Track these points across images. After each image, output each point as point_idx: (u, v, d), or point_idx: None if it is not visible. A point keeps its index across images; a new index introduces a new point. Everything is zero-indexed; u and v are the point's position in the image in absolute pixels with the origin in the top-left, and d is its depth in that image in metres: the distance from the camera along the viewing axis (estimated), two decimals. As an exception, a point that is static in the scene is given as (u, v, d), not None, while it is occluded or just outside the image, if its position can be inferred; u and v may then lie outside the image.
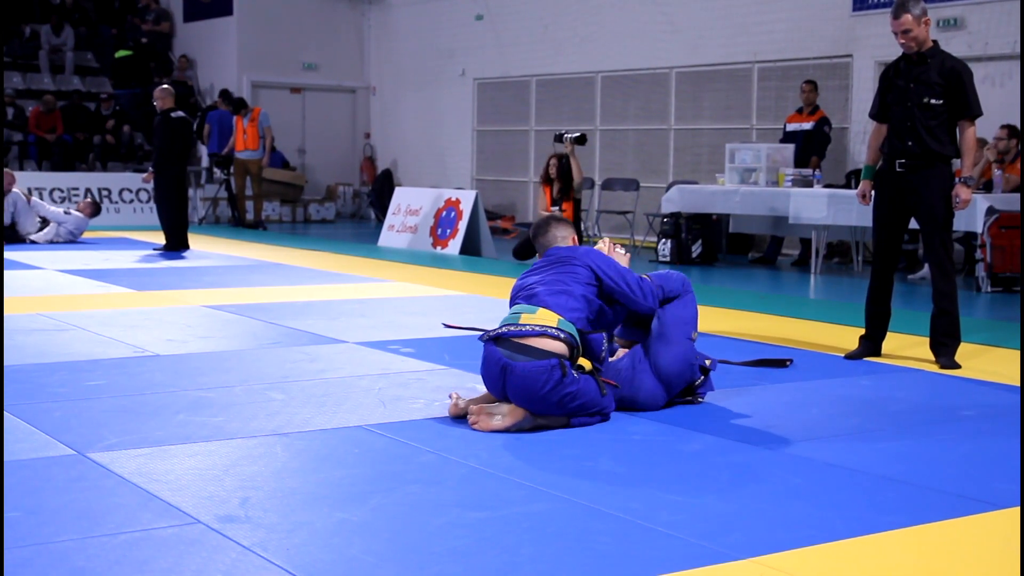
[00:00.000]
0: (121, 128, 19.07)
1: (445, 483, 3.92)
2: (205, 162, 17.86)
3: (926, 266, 8.98)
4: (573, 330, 4.72)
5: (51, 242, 13.34)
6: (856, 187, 6.85)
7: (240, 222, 16.79)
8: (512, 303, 4.97)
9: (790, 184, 11.70)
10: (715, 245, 12.74)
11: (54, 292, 8.94)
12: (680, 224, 12.42)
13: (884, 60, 11.11)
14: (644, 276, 5.09)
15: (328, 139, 20.45)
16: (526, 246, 11.57)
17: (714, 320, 7.91)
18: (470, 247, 13.07)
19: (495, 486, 3.89)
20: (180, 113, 12.62)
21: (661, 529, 3.44)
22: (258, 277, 10.31)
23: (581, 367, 4.75)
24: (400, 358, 6.27)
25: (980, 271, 10.13)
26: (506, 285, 7.78)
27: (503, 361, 4.65)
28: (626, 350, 5.19)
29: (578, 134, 11.39)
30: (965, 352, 6.44)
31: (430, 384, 5.54)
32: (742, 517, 3.58)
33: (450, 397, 4.94)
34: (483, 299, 8.72)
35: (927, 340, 6.48)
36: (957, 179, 6.29)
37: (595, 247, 5.16)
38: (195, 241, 13.11)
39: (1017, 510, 3.68)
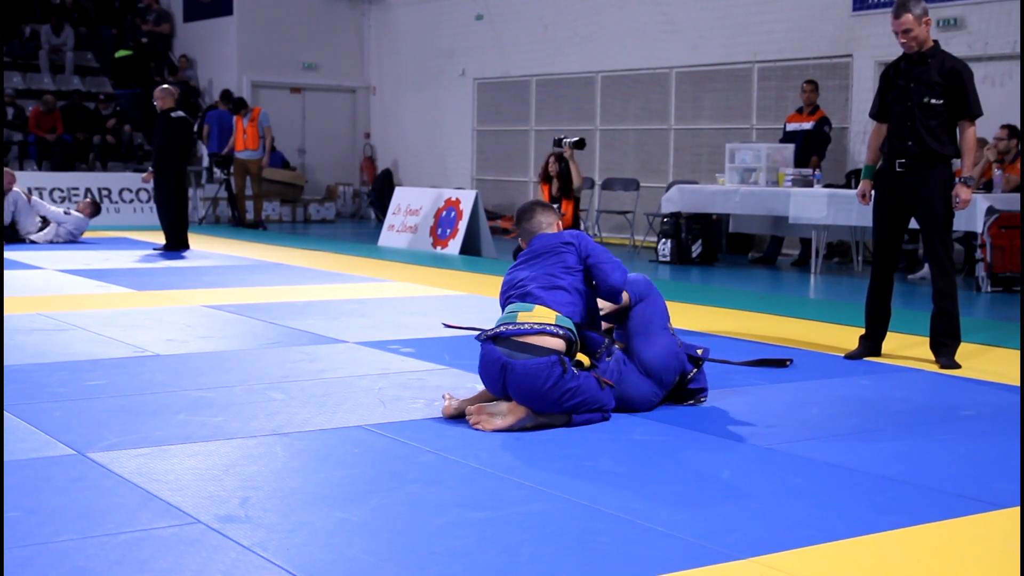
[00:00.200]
0: (121, 128, 19.07)
1: (445, 483, 3.92)
2: (205, 162, 17.86)
3: (926, 266, 8.98)
4: (571, 325, 4.73)
5: (51, 242, 13.34)
6: (856, 187, 6.84)
7: (240, 222, 16.80)
8: (504, 300, 4.95)
9: (790, 184, 11.70)
10: (715, 245, 12.74)
11: (54, 292, 8.94)
12: (680, 224, 12.42)
13: (884, 60, 11.11)
14: None
15: (328, 139, 20.45)
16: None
17: (714, 320, 7.91)
18: (470, 247, 13.07)
19: (495, 486, 3.89)
20: (180, 113, 12.62)
21: (661, 529, 3.44)
22: (258, 277, 10.31)
23: (580, 363, 4.75)
24: (400, 358, 6.27)
25: (980, 271, 10.13)
26: (506, 285, 7.77)
27: (503, 360, 4.64)
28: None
29: (576, 138, 11.35)
30: (965, 352, 6.44)
31: (430, 384, 5.54)
32: (742, 517, 3.58)
33: (444, 398, 4.94)
34: (483, 299, 8.71)
35: (927, 340, 6.48)
36: (957, 179, 6.29)
37: None
38: (195, 241, 13.11)
39: (1017, 510, 3.68)
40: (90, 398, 5.13)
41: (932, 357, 6.39)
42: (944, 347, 6.34)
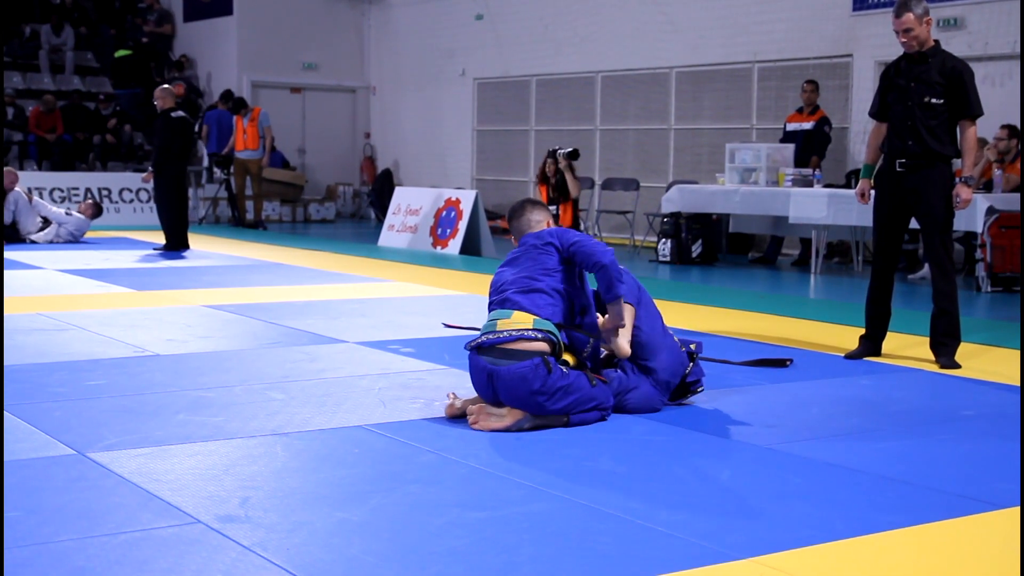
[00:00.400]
0: (121, 128, 19.07)
1: (445, 483, 3.92)
2: (205, 162, 17.86)
3: (926, 266, 8.98)
4: (550, 326, 4.71)
5: (51, 242, 13.34)
6: (855, 187, 6.84)
7: (240, 222, 16.80)
8: (490, 303, 4.95)
9: (790, 184, 11.70)
10: (715, 245, 12.74)
11: (54, 292, 8.94)
12: (680, 224, 12.42)
13: (884, 60, 11.11)
14: None
15: (328, 139, 20.45)
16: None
17: (714, 320, 7.91)
18: (470, 247, 13.07)
19: (495, 486, 3.89)
20: (180, 113, 12.62)
21: (661, 529, 3.44)
22: (258, 277, 10.31)
23: (567, 362, 4.74)
24: (400, 358, 6.27)
25: (980, 271, 10.13)
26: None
27: (488, 368, 4.66)
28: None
29: (570, 149, 11.27)
30: (965, 352, 6.44)
31: (430, 384, 5.54)
32: (742, 517, 3.58)
33: (448, 397, 4.94)
34: (483, 299, 8.68)
35: (927, 340, 6.48)
36: (957, 179, 6.29)
37: None
38: (195, 241, 13.11)
39: (1017, 510, 3.68)
40: (90, 398, 5.13)
41: (932, 357, 6.39)
42: (944, 347, 6.34)
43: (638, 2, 15.58)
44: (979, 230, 10.01)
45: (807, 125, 12.66)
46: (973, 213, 9.79)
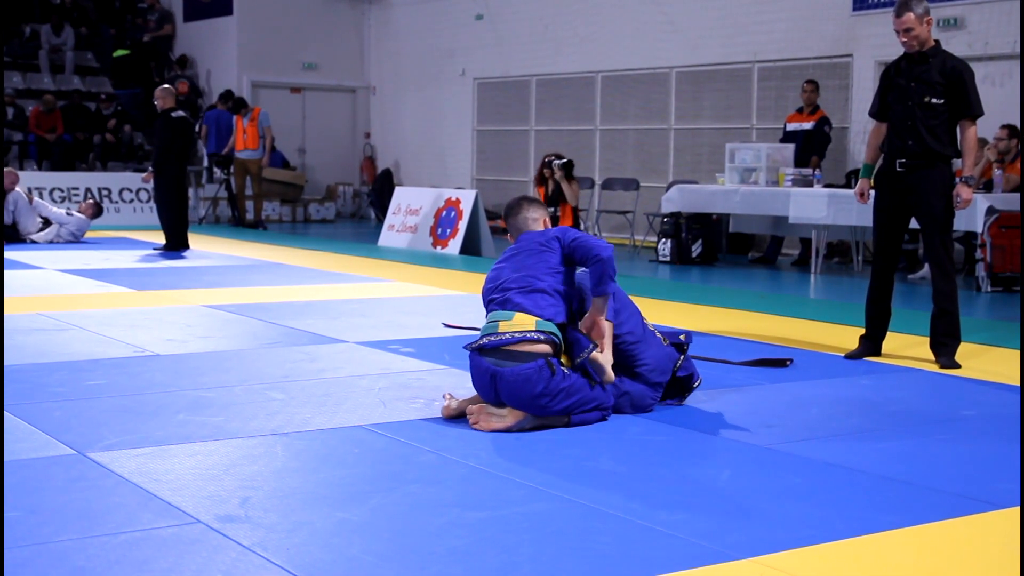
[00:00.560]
0: (121, 128, 19.07)
1: (445, 483, 3.92)
2: (206, 162, 17.86)
3: (926, 266, 8.98)
4: (552, 327, 4.70)
5: (51, 242, 13.35)
6: (856, 187, 6.84)
7: (240, 222, 16.80)
8: (486, 301, 4.91)
9: (790, 184, 11.70)
10: (715, 245, 12.73)
11: (54, 292, 8.94)
12: (680, 224, 12.42)
13: (884, 60, 11.11)
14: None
15: (328, 139, 20.46)
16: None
17: (714, 320, 7.91)
18: (470, 247, 13.07)
19: (495, 486, 3.89)
20: (180, 113, 12.62)
21: (661, 529, 3.44)
22: (258, 277, 10.31)
23: (563, 363, 4.73)
24: (400, 358, 6.27)
25: (980, 271, 10.13)
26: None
27: (491, 369, 4.65)
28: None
29: (564, 161, 11.22)
30: (965, 352, 6.44)
31: (430, 384, 5.54)
32: (742, 517, 3.58)
33: (444, 397, 4.93)
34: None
35: (927, 340, 6.48)
36: (958, 179, 6.29)
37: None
38: (195, 241, 13.11)
39: (1017, 510, 3.68)
40: (90, 398, 5.13)
41: (932, 357, 6.39)
42: (944, 347, 6.34)
43: (638, 2, 15.58)
44: (979, 230, 10.01)
45: (807, 125, 12.66)
46: (973, 213, 9.79)
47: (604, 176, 15.82)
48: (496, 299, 4.84)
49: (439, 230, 13.53)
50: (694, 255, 12.37)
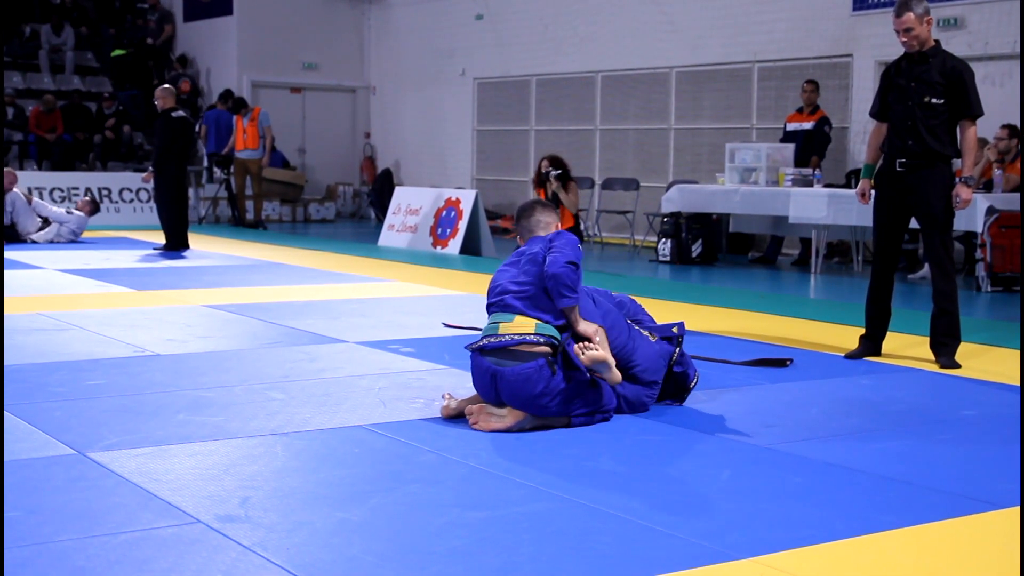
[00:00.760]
0: (121, 128, 19.07)
1: (445, 483, 3.92)
2: (206, 162, 17.86)
3: (926, 266, 8.98)
4: (551, 331, 4.71)
5: (51, 242, 13.35)
6: (856, 187, 6.84)
7: (240, 222, 16.80)
8: (488, 304, 4.93)
9: (790, 184, 11.70)
10: (715, 245, 12.73)
11: (54, 292, 8.94)
12: (680, 224, 12.42)
13: (884, 60, 11.11)
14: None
15: (328, 139, 20.46)
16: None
17: (714, 320, 7.91)
18: (470, 247, 13.07)
19: (495, 486, 3.89)
20: (181, 112, 12.62)
21: (661, 529, 3.44)
22: (258, 277, 10.31)
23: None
24: (400, 358, 6.27)
25: (980, 271, 10.13)
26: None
27: (492, 369, 4.66)
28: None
29: (559, 171, 11.19)
30: (965, 352, 6.44)
31: (430, 384, 5.54)
32: (742, 517, 3.58)
33: (443, 398, 4.94)
34: (483, 299, 8.69)
35: (927, 340, 6.48)
36: (957, 179, 6.29)
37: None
38: (195, 241, 13.11)
39: (1017, 510, 3.68)
40: (90, 398, 5.13)
41: (932, 357, 6.39)
42: (944, 347, 6.34)
43: (638, 2, 15.58)
44: (979, 230, 10.01)
45: (807, 125, 12.66)
46: (973, 213, 9.80)
47: (604, 176, 15.82)
48: (496, 302, 4.87)
49: (439, 230, 13.53)
50: (694, 255, 12.37)
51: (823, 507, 3.70)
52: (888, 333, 6.59)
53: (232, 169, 16.74)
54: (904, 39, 6.29)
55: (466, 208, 13.25)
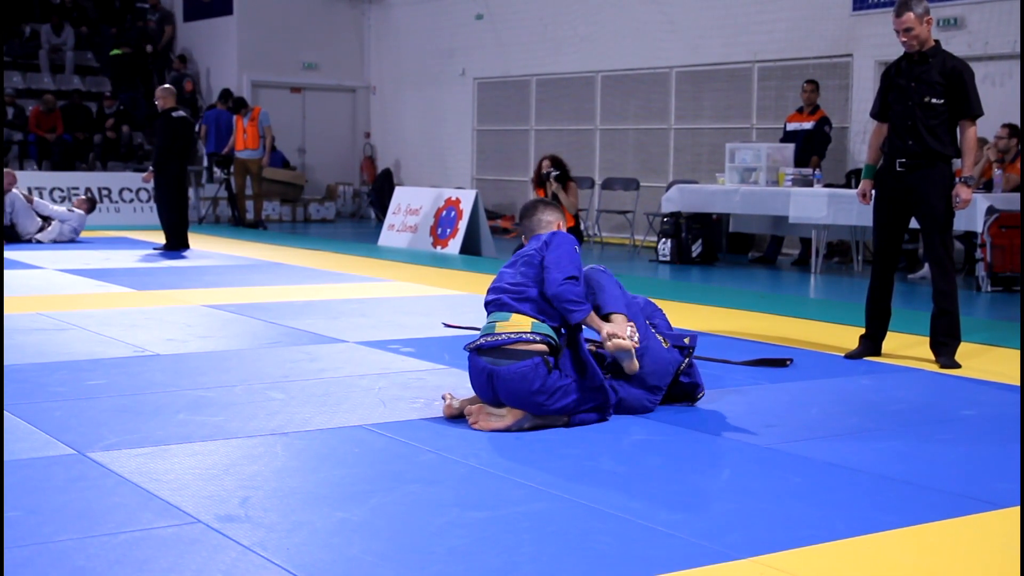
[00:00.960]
0: (121, 127, 19.07)
1: (445, 483, 3.92)
2: (206, 162, 17.86)
3: (926, 265, 8.98)
4: (547, 330, 4.71)
5: (55, 241, 13.38)
6: (856, 187, 6.84)
7: (240, 222, 16.79)
8: (486, 304, 4.94)
9: (790, 184, 11.70)
10: (715, 245, 12.74)
11: (54, 292, 8.94)
12: (680, 224, 12.42)
13: (884, 60, 11.11)
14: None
15: (328, 139, 20.46)
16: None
17: (714, 320, 7.91)
18: (470, 247, 13.07)
19: (495, 486, 3.89)
20: (181, 112, 12.62)
21: (661, 529, 3.44)
22: (258, 277, 10.31)
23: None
24: (400, 358, 6.27)
25: (980, 271, 10.13)
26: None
27: (488, 368, 4.67)
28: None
29: (557, 172, 11.22)
30: (965, 352, 6.44)
31: (430, 384, 5.55)
32: (742, 517, 3.58)
33: (443, 398, 4.94)
34: (483, 299, 8.70)
35: (927, 340, 6.48)
36: (957, 179, 6.29)
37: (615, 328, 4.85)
38: (195, 241, 13.11)
39: (1017, 510, 3.68)
40: (90, 398, 5.13)
41: (932, 357, 6.39)
42: (944, 347, 6.34)
43: (638, 2, 15.58)
44: (979, 230, 10.01)
45: (807, 125, 12.66)
46: (973, 213, 9.80)
47: (604, 176, 15.82)
48: (494, 301, 4.88)
49: (439, 230, 13.53)
50: (694, 255, 12.37)
51: (823, 507, 3.70)
52: (888, 333, 6.59)
53: (232, 169, 16.74)
54: (904, 39, 6.29)
55: (466, 208, 13.25)
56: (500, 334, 4.70)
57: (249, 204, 16.95)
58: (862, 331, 6.63)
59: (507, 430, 4.61)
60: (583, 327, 4.83)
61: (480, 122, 18.38)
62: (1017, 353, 6.51)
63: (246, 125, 16.35)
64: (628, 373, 4.85)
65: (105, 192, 16.81)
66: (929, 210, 6.32)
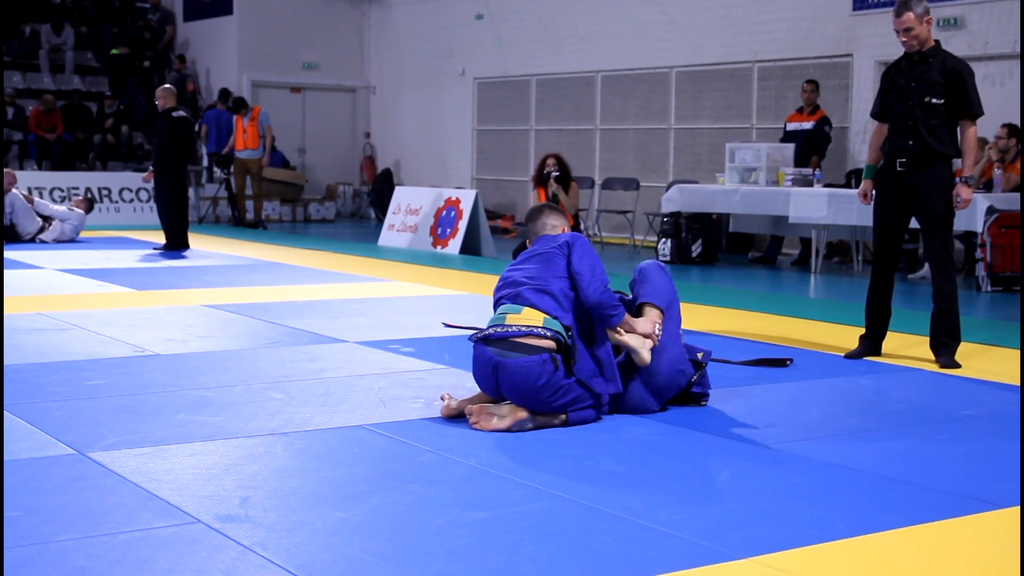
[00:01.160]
0: (120, 127, 19.07)
1: (445, 483, 3.92)
2: (205, 162, 17.87)
3: (926, 265, 8.98)
4: (558, 327, 4.72)
5: (57, 240, 13.39)
6: (856, 186, 6.85)
7: (240, 221, 16.79)
8: (496, 299, 4.95)
9: (790, 184, 11.70)
10: (715, 245, 12.74)
11: (54, 292, 8.94)
12: (680, 224, 12.42)
13: (884, 60, 11.11)
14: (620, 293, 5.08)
15: (328, 139, 20.46)
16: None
17: (714, 320, 7.91)
18: (470, 246, 13.07)
19: (495, 486, 3.89)
20: (181, 112, 12.63)
21: (661, 529, 3.44)
22: (258, 277, 10.31)
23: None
24: (400, 358, 6.27)
25: (980, 270, 10.13)
26: (506, 285, 7.77)
27: (495, 359, 4.66)
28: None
29: (557, 173, 11.24)
30: (965, 352, 6.44)
31: (430, 384, 5.54)
32: (742, 517, 3.58)
33: (442, 398, 4.94)
34: (483, 299, 8.70)
35: (927, 339, 6.48)
36: (958, 179, 6.29)
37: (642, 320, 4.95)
38: (195, 240, 13.11)
39: (1017, 510, 3.68)
40: (90, 398, 5.13)
41: (932, 357, 6.39)
42: (944, 347, 6.34)
43: (638, 2, 15.58)
44: (979, 230, 10.01)
45: (807, 125, 12.66)
46: (973, 213, 9.80)
47: (604, 176, 15.82)
48: (507, 294, 4.87)
49: (439, 230, 13.53)
50: (694, 255, 12.37)
51: (823, 507, 3.70)
52: (888, 333, 6.59)
53: (232, 169, 16.74)
54: (904, 39, 6.29)
55: (466, 208, 13.25)
56: (511, 326, 4.70)
57: (249, 204, 16.95)
58: (862, 331, 6.63)
59: (508, 430, 4.61)
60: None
61: (480, 122, 18.38)
62: (1017, 353, 6.51)
63: (246, 125, 16.35)
64: (637, 364, 4.87)
65: (105, 192, 16.82)
66: (929, 210, 6.32)
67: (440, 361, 6.16)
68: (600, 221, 15.35)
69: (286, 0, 19.73)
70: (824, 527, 3.48)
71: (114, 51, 20.13)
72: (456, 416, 4.81)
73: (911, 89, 6.31)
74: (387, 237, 14.28)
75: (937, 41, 6.37)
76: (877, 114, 6.60)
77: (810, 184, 11.60)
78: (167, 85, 13.18)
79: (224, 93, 17.70)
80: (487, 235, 13.21)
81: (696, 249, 12.39)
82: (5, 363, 5.52)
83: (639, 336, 4.86)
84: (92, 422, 4.68)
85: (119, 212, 16.79)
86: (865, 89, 12.71)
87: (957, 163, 6.39)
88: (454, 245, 13.15)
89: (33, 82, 19.79)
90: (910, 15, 6.21)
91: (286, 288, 9.45)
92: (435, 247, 13.44)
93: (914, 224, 6.55)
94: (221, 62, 20.03)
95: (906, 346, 6.79)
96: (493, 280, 9.65)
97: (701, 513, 3.61)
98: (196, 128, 16.41)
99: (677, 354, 5.01)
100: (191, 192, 15.74)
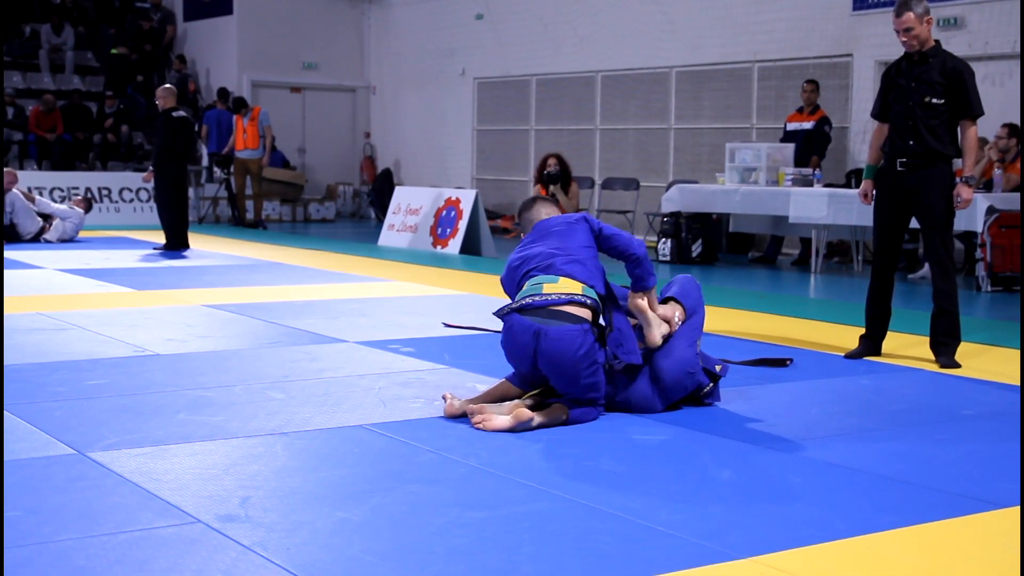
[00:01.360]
0: (120, 127, 19.07)
1: (445, 483, 3.92)
2: (205, 162, 17.87)
3: (926, 265, 8.98)
4: (595, 295, 4.79)
5: (60, 239, 13.41)
6: (856, 186, 6.85)
7: (240, 221, 16.80)
8: (523, 272, 4.93)
9: (790, 184, 11.70)
10: (715, 245, 12.74)
11: (54, 292, 8.94)
12: (680, 223, 12.42)
13: (884, 60, 11.11)
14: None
15: (328, 139, 20.46)
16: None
17: (714, 320, 7.90)
18: (470, 246, 13.07)
19: (495, 486, 3.89)
20: (181, 112, 12.63)
21: (661, 529, 3.44)
22: (258, 277, 10.31)
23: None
24: (400, 358, 6.27)
25: (980, 270, 10.13)
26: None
27: (535, 327, 4.65)
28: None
29: (559, 174, 11.29)
30: (965, 352, 6.44)
31: (430, 384, 5.54)
32: (742, 517, 3.58)
33: (444, 398, 4.94)
34: (483, 299, 8.71)
35: (927, 339, 6.48)
36: (958, 179, 6.29)
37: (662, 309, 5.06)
38: (195, 240, 13.11)
39: (1017, 510, 3.68)
40: (90, 398, 5.13)
41: (932, 357, 6.39)
42: (944, 347, 6.34)
43: (638, 2, 15.58)
44: (979, 230, 10.01)
45: (807, 125, 12.66)
46: (973, 213, 9.80)
47: (604, 176, 15.82)
48: (539, 266, 4.87)
49: (439, 230, 13.53)
50: (694, 255, 12.37)
51: (823, 507, 3.70)
52: (888, 333, 6.59)
53: (232, 169, 16.74)
54: (904, 39, 6.29)
55: (466, 208, 13.25)
56: (550, 294, 4.71)
57: (249, 204, 16.95)
58: (862, 331, 6.63)
59: (510, 430, 4.61)
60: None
61: (480, 122, 18.38)
62: (1017, 353, 6.51)
63: (246, 125, 16.36)
64: (647, 343, 4.91)
65: (105, 192, 16.82)
66: (929, 210, 6.32)
67: (440, 361, 6.16)
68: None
69: (286, 0, 19.73)
70: (824, 527, 3.48)
71: (114, 51, 20.14)
72: (458, 416, 4.81)
73: (911, 89, 6.31)
74: (387, 237, 14.28)
75: (937, 41, 6.37)
76: (877, 114, 6.60)
77: (810, 184, 11.60)
78: (167, 85, 13.18)
79: (223, 93, 17.70)
80: (487, 235, 13.21)
81: (696, 249, 12.39)
82: (5, 363, 5.52)
83: (657, 316, 4.89)
84: (92, 422, 4.67)
85: (119, 212, 16.80)
86: (865, 89, 12.71)
87: (957, 163, 6.39)
88: (454, 245, 13.15)
89: (33, 82, 19.79)
90: (910, 15, 6.21)
91: (286, 288, 9.45)
92: (435, 247, 13.44)
93: (914, 224, 6.56)
94: (221, 62, 20.03)
95: (906, 346, 6.79)
96: (493, 280, 9.64)
97: (701, 513, 3.61)
98: (196, 128, 16.40)
99: (688, 358, 5.00)
100: (191, 192, 15.73)
